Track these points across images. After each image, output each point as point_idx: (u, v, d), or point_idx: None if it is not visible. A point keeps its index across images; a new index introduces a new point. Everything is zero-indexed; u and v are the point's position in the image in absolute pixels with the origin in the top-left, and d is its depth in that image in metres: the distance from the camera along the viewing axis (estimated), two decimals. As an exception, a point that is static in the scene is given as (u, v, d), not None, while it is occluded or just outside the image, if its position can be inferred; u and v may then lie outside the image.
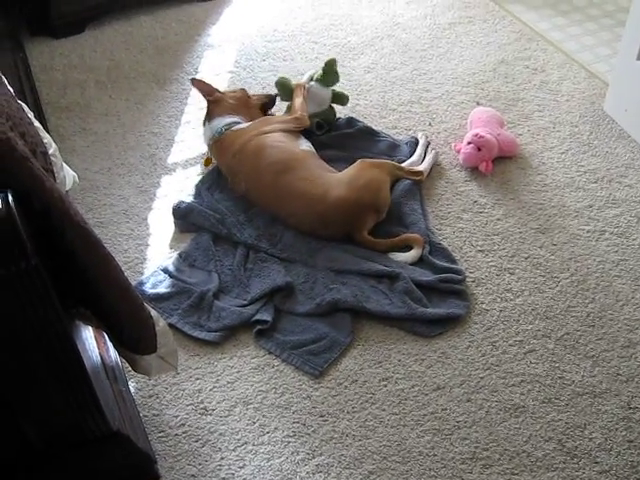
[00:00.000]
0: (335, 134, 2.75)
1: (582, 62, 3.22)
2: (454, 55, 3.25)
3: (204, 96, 2.65)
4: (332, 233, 2.37)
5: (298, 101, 2.66)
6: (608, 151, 2.75)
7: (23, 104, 1.69)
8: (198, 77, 2.80)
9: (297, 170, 2.40)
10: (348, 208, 2.32)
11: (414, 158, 2.63)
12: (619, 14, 3.55)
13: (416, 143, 2.71)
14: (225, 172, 2.56)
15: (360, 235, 2.35)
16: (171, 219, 2.49)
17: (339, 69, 2.76)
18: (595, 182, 2.62)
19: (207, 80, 2.71)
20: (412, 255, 2.33)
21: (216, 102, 2.63)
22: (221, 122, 2.59)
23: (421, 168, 2.59)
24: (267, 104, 2.75)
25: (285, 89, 2.75)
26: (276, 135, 2.51)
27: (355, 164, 2.45)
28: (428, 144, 2.72)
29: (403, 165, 2.57)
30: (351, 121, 2.81)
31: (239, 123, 2.59)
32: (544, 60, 3.21)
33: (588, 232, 2.44)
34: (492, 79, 3.10)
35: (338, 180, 2.39)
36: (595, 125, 2.86)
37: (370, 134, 2.76)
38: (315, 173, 2.41)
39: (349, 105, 2.90)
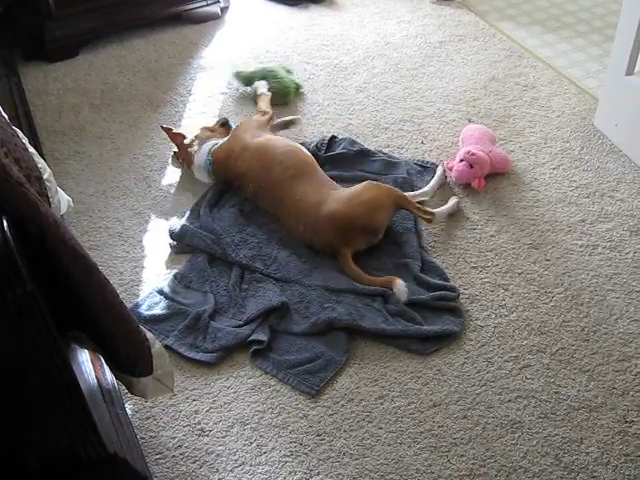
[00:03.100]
0: (331, 154, 2.77)
1: (572, 78, 3.25)
2: (445, 73, 3.28)
3: (177, 144, 2.77)
4: (322, 243, 2.37)
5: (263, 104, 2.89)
6: (599, 166, 2.77)
7: (17, 130, 1.70)
8: (166, 125, 2.86)
9: (308, 176, 2.46)
10: (339, 219, 2.33)
11: (427, 188, 2.59)
12: (607, 30, 3.59)
13: (434, 172, 2.68)
14: (231, 179, 2.61)
15: (345, 259, 2.33)
16: (166, 241, 2.50)
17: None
18: (587, 197, 2.64)
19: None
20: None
21: (197, 140, 2.72)
22: (207, 145, 2.67)
23: (435, 211, 2.49)
24: (225, 124, 2.85)
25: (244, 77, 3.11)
26: (271, 136, 2.65)
27: (362, 183, 2.45)
28: (445, 178, 2.68)
29: (419, 192, 2.57)
30: (349, 141, 2.82)
31: (218, 142, 2.69)
32: (534, 77, 3.24)
33: (581, 247, 2.46)
34: (483, 96, 3.12)
35: (339, 194, 2.41)
36: (586, 140, 2.89)
37: (366, 155, 2.76)
38: (320, 181, 2.47)
39: (342, 124, 2.93)
